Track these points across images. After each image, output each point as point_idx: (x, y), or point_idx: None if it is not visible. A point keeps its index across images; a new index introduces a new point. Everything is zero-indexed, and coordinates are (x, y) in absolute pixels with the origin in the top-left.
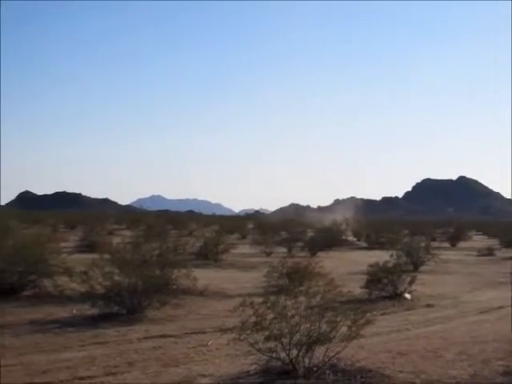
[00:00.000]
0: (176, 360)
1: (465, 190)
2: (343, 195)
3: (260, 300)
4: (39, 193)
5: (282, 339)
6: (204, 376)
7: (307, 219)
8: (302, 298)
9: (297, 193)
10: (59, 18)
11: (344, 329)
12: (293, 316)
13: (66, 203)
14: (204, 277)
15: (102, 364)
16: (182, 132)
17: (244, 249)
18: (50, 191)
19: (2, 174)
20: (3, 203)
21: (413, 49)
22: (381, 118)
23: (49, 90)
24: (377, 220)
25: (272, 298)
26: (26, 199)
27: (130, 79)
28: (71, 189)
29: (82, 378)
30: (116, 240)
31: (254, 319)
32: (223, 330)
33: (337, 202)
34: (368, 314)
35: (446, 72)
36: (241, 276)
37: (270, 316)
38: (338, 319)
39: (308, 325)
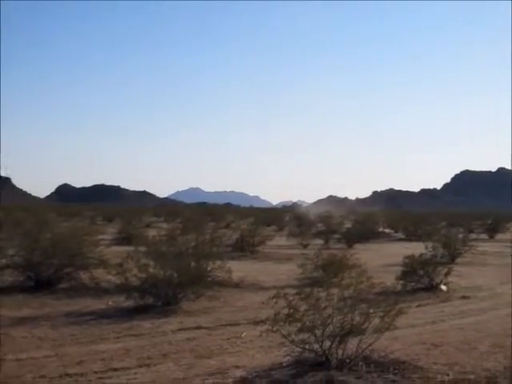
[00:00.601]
0: (210, 352)
1: (504, 182)
2: (382, 187)
3: (294, 292)
4: (78, 186)
5: (315, 331)
6: (237, 367)
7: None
8: (335, 290)
9: (335, 185)
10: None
11: (377, 320)
12: (326, 308)
13: (105, 196)
14: (240, 269)
15: (136, 355)
16: (219, 125)
17: (281, 241)
18: (88, 184)
19: (41, 167)
20: (42, 196)
21: (452, 35)
22: (420, 109)
23: (82, 82)
24: (415, 212)
25: (306, 289)
26: (64, 192)
27: (164, 72)
28: (110, 181)
29: (116, 370)
30: (153, 233)
31: (287, 311)
32: (257, 322)
33: (375, 193)
34: (400, 305)
35: (485, 61)
36: (276, 268)
37: (303, 308)
38: (371, 310)
39: (341, 316)
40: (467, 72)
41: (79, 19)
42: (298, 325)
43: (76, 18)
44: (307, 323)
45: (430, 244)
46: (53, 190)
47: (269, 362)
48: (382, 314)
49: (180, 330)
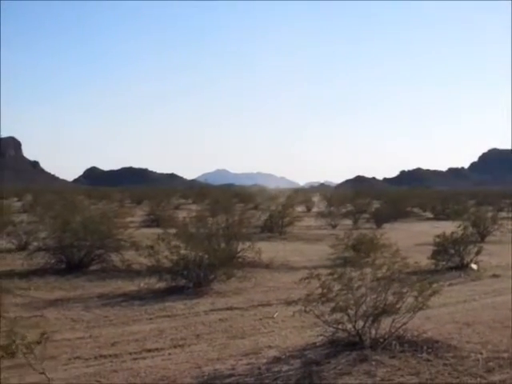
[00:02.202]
0: (243, 332)
1: None
2: (409, 166)
3: (326, 272)
4: (106, 169)
5: (349, 311)
6: (270, 348)
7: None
8: (367, 270)
9: (362, 165)
10: None
11: (410, 300)
12: (359, 287)
13: (133, 178)
14: (269, 250)
15: (169, 336)
16: (244, 107)
17: (309, 221)
18: (116, 167)
19: (69, 150)
20: (71, 179)
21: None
22: (447, 87)
23: (109, 66)
24: (443, 191)
25: (339, 269)
26: (92, 175)
27: (191, 55)
28: (137, 164)
29: (149, 350)
30: (182, 214)
31: (320, 291)
32: (289, 302)
33: (403, 173)
34: (434, 285)
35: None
36: (306, 248)
37: (336, 288)
38: (405, 290)
39: (374, 296)
40: (492, 46)
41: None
42: (331, 305)
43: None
44: (340, 303)
45: (460, 223)
46: (81, 173)
47: (302, 342)
48: (415, 293)
49: (212, 310)
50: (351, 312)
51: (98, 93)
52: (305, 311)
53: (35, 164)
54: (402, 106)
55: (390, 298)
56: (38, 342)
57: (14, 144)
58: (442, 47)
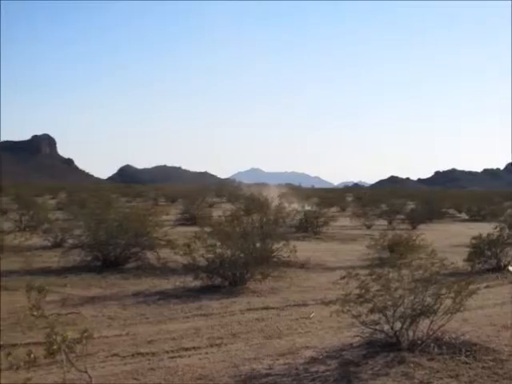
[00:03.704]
0: (279, 332)
1: None
2: (444, 167)
3: (362, 272)
4: (140, 167)
5: (386, 312)
6: (307, 348)
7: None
8: (405, 271)
9: (396, 165)
10: None
11: (448, 302)
12: (396, 288)
13: (166, 177)
14: (304, 249)
15: (206, 335)
16: (279, 107)
17: (344, 221)
18: (150, 165)
19: (104, 148)
20: (105, 177)
21: None
22: (483, 87)
23: (145, 65)
24: (478, 191)
25: (376, 270)
26: (126, 173)
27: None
28: (171, 162)
29: (186, 349)
30: (216, 213)
31: (357, 291)
32: (325, 303)
33: (437, 174)
34: (471, 286)
35: None
36: (341, 248)
37: (374, 288)
38: (443, 291)
39: (412, 297)
40: None
41: None
42: (369, 305)
43: None
44: (378, 304)
45: (496, 224)
46: (115, 171)
47: (339, 342)
48: (453, 295)
49: (248, 310)
50: (389, 313)
51: (133, 92)
52: (342, 311)
53: (69, 162)
54: (438, 107)
55: (428, 300)
56: (79, 341)
57: (48, 142)
58: (483, 47)
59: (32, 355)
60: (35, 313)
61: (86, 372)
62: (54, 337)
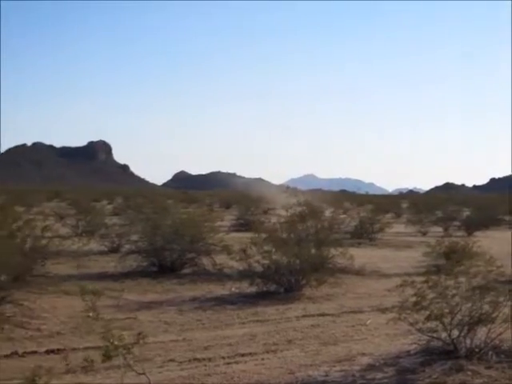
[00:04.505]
0: (335, 338)
1: None
2: (501, 173)
3: (418, 279)
4: (194, 173)
5: (443, 319)
6: (364, 355)
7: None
8: (462, 278)
9: (451, 171)
10: None
11: (506, 310)
12: (453, 296)
13: (221, 183)
14: (359, 256)
15: (261, 341)
16: (335, 113)
17: (399, 228)
18: (204, 171)
19: (159, 155)
20: (160, 183)
21: None
22: None
23: (196, 75)
24: None
25: (433, 277)
26: (181, 179)
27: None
28: (225, 169)
29: (242, 355)
30: (271, 219)
31: (413, 299)
32: (381, 310)
33: (493, 180)
34: None
35: None
36: (396, 255)
37: (431, 296)
38: (501, 299)
39: (469, 305)
40: None
41: None
42: (426, 313)
43: None
44: (435, 311)
45: None
46: (170, 177)
47: (395, 349)
48: (511, 303)
49: (304, 316)
50: (446, 320)
51: (187, 98)
52: (399, 319)
53: (125, 167)
54: (492, 113)
55: (486, 308)
56: (136, 342)
57: (104, 148)
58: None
59: (89, 359)
60: (90, 314)
61: (145, 374)
62: (112, 339)
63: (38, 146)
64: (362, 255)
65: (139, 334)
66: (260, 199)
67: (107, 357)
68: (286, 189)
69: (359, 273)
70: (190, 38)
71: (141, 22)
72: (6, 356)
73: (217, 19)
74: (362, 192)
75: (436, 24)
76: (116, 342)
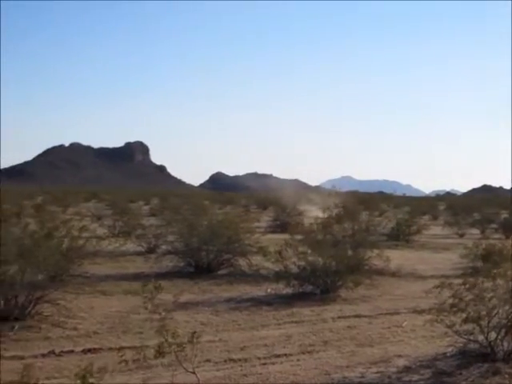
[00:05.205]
0: (371, 340)
1: None
2: None
3: (455, 282)
4: (231, 174)
5: (480, 322)
6: (400, 356)
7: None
8: (499, 281)
9: (489, 173)
10: None
11: None
12: (491, 298)
13: (257, 184)
14: (396, 257)
15: (297, 342)
16: (372, 114)
17: (436, 230)
18: (241, 172)
19: (195, 155)
20: (197, 184)
21: None
22: None
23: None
24: None
25: (470, 279)
26: (218, 180)
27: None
28: (262, 170)
29: (278, 356)
30: (307, 220)
31: (451, 300)
32: (418, 311)
33: None
34: None
35: None
36: (433, 257)
37: (468, 298)
38: None
39: (507, 307)
40: None
41: None
42: (463, 315)
43: None
44: (472, 314)
45: None
46: (206, 178)
47: (432, 351)
48: None
49: (340, 317)
50: (483, 323)
51: (222, 100)
52: (436, 321)
53: (162, 168)
54: None
55: None
56: (190, 341)
57: (142, 149)
58: None
59: (143, 354)
60: (149, 306)
61: (194, 373)
62: (165, 336)
63: (75, 146)
64: (398, 257)
65: (194, 333)
66: (297, 200)
67: (160, 353)
68: (329, 192)
69: (395, 274)
70: (229, 38)
71: (181, 21)
72: (43, 355)
73: (263, 20)
74: (399, 194)
75: None
76: (170, 339)
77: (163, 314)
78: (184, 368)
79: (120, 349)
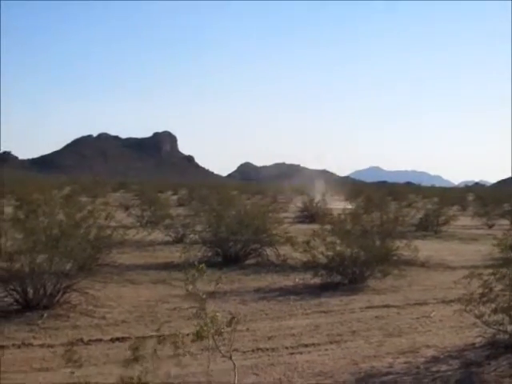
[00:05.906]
0: (399, 330)
1: None
2: None
3: (485, 272)
4: (259, 164)
5: (510, 312)
6: (428, 347)
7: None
8: None
9: None
10: None
11: None
12: None
13: (285, 174)
14: (424, 248)
15: (325, 332)
16: (401, 105)
17: (465, 221)
18: (269, 163)
19: (224, 146)
20: (225, 174)
21: None
22: None
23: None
24: None
25: (501, 269)
26: (246, 170)
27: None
28: (290, 160)
29: (306, 345)
30: (336, 211)
31: (480, 291)
32: (447, 302)
33: None
34: None
35: None
36: (462, 248)
37: (497, 288)
38: None
39: None
40: None
41: None
42: (492, 305)
43: None
44: (501, 304)
45: None
46: (235, 168)
47: (460, 342)
48: None
49: (368, 307)
50: None
51: (250, 90)
52: (465, 311)
53: (190, 159)
54: None
55: None
56: (228, 326)
57: (170, 139)
58: None
59: (181, 337)
60: (190, 287)
61: (231, 359)
62: (205, 319)
63: (103, 136)
64: (427, 248)
65: (232, 317)
66: (325, 191)
67: (199, 337)
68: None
69: (424, 265)
70: (261, 32)
71: (206, 15)
72: (72, 343)
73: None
74: (428, 184)
75: None
76: (209, 324)
77: (204, 296)
78: (221, 353)
79: (156, 336)
